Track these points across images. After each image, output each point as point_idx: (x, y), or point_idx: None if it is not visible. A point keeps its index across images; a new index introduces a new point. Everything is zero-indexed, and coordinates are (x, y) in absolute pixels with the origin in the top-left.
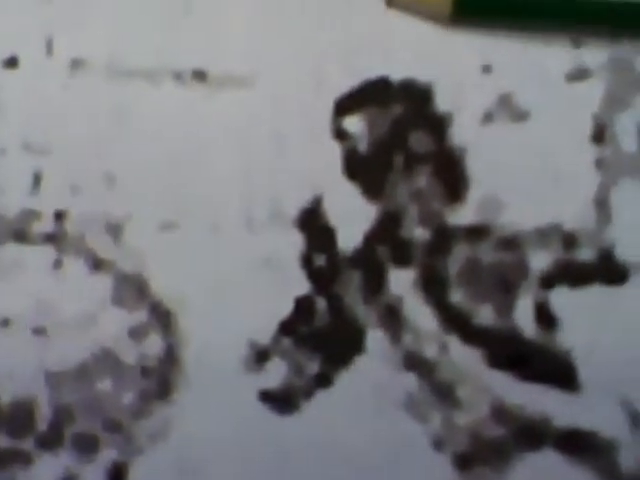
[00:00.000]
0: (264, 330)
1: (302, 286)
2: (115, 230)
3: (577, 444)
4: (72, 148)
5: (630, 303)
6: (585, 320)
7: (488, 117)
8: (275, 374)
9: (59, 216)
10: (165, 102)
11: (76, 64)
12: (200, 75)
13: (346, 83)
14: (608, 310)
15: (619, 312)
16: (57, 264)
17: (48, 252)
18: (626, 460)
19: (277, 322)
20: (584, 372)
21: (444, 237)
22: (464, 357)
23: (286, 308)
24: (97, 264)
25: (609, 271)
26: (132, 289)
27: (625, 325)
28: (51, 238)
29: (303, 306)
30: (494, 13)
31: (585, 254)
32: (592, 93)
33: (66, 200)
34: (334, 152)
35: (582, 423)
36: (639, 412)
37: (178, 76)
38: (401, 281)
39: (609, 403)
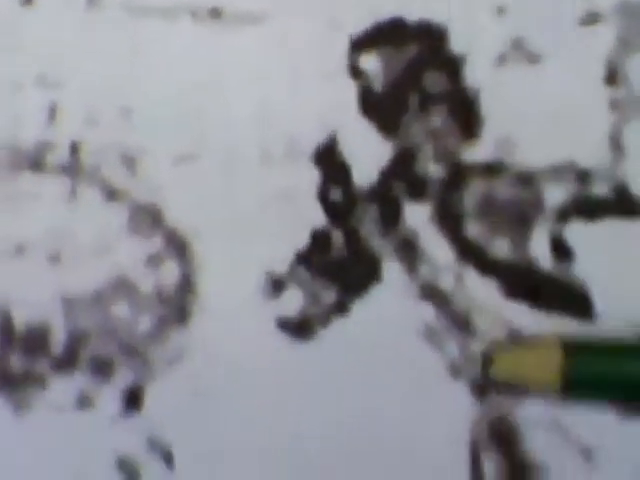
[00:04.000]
0: (280, 261)
1: (318, 219)
2: (130, 162)
3: None
4: (88, 81)
5: None
6: (600, 253)
7: (502, 59)
8: (292, 303)
9: (74, 148)
10: (181, 39)
11: (93, 1)
12: (216, 12)
13: (361, 22)
14: (623, 243)
15: (634, 244)
16: (72, 194)
17: (63, 182)
18: None
19: (293, 253)
20: (600, 302)
21: (459, 173)
22: (480, 288)
23: (302, 240)
24: (112, 194)
25: (623, 205)
26: (147, 219)
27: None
28: (66, 169)
29: (319, 238)
30: (603, 388)
31: (600, 189)
32: (604, 36)
33: (81, 132)
34: (349, 90)
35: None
36: None
37: (194, 13)
38: (417, 215)
39: (625, 332)
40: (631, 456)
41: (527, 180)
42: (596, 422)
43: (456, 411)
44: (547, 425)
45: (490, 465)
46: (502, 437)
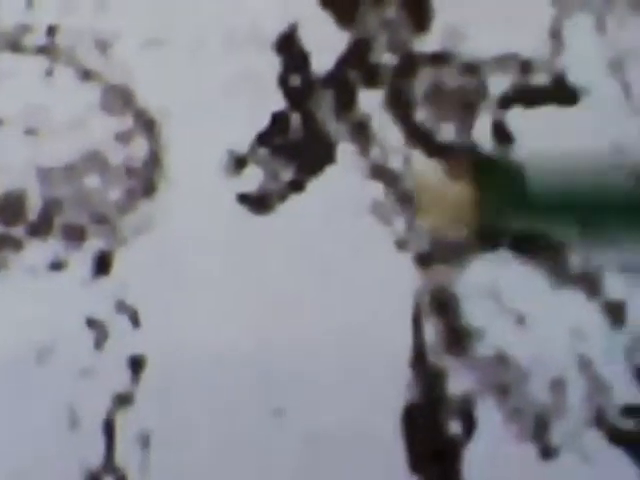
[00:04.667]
0: (242, 140)
1: (278, 103)
2: (103, 45)
3: (530, 245)
4: None
5: (580, 121)
6: (538, 137)
7: None
8: (252, 179)
9: (51, 30)
10: None
11: None
12: None
13: None
14: (559, 128)
15: (569, 129)
16: (49, 72)
17: (40, 62)
18: (574, 260)
19: (254, 134)
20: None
21: (410, 62)
22: (427, 169)
23: (263, 122)
24: (86, 74)
25: (561, 94)
26: (119, 98)
27: (576, 140)
28: (43, 50)
29: (279, 120)
30: None
31: (539, 79)
32: None
33: (58, 16)
34: None
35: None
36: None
37: None
38: (370, 101)
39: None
40: (559, 320)
41: (473, 69)
42: (528, 289)
43: (401, 280)
44: (483, 293)
45: (431, 330)
46: (442, 304)
